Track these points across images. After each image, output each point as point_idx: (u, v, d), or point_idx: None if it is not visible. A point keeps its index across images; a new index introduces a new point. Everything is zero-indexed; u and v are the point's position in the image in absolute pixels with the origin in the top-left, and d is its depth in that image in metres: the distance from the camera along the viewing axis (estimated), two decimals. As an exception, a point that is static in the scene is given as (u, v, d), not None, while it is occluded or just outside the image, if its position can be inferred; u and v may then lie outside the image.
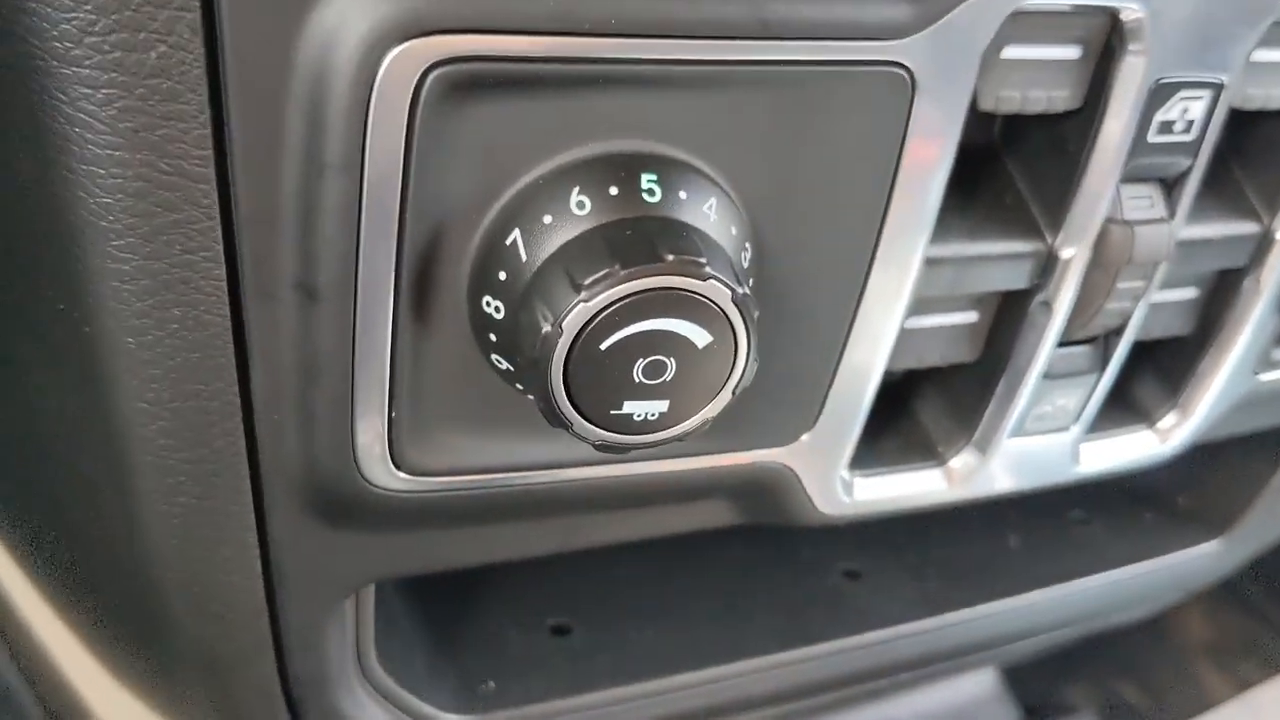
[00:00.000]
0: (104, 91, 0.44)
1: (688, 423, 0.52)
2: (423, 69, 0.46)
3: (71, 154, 0.46)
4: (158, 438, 0.54)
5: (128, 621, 0.68)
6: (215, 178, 0.47)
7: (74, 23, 0.43)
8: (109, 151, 0.45)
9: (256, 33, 0.45)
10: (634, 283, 0.47)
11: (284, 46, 0.45)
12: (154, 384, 0.52)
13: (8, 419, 0.64)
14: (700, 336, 0.49)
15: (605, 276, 0.47)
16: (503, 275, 0.50)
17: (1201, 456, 0.91)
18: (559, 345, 0.48)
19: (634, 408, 0.50)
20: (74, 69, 0.44)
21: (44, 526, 0.71)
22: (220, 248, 0.49)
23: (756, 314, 0.51)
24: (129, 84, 0.44)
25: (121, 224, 0.47)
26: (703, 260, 0.48)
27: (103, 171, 0.46)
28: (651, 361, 0.49)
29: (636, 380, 0.50)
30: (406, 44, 0.45)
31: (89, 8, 0.43)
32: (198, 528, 0.57)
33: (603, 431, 0.51)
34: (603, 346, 0.48)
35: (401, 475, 0.56)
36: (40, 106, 0.45)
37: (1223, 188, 0.73)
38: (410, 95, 0.46)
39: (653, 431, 0.52)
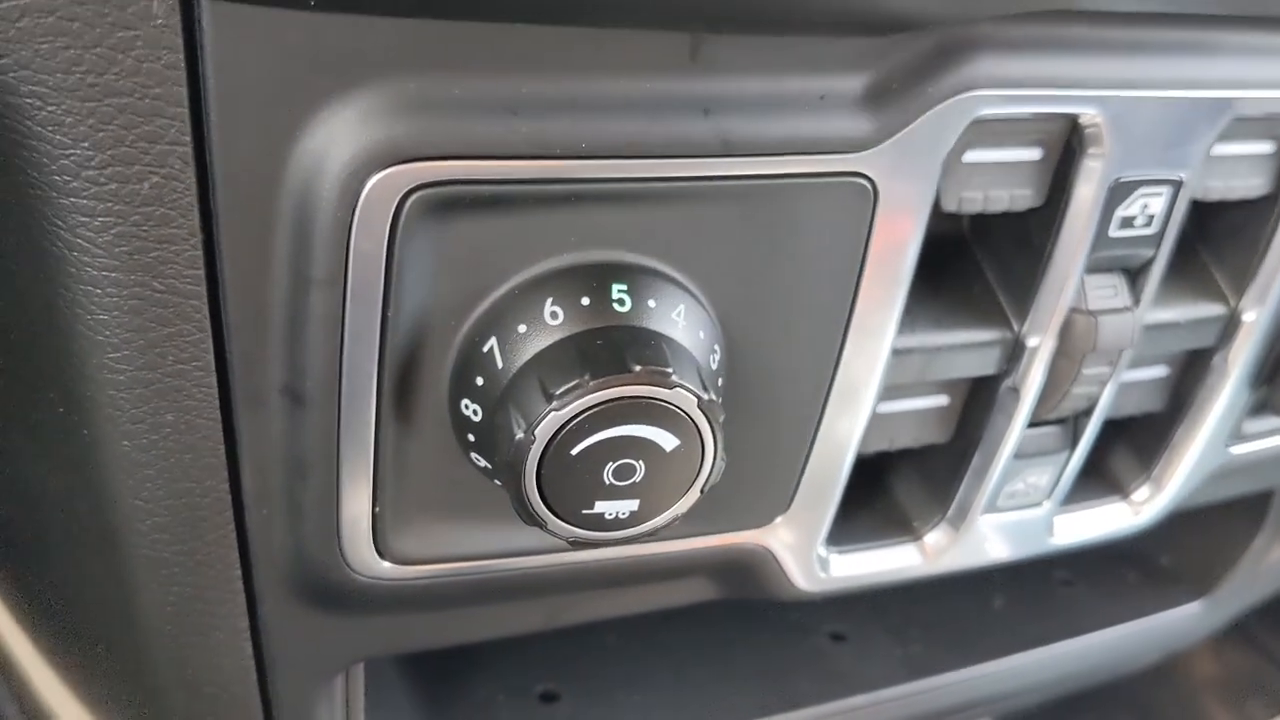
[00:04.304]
0: (100, 219, 0.47)
1: (657, 519, 0.55)
2: (403, 192, 0.48)
3: (69, 275, 0.48)
4: (152, 532, 0.56)
5: (126, 697, 0.70)
6: (206, 294, 0.50)
7: (72, 158, 0.46)
8: (105, 273, 0.48)
9: (245, 161, 0.47)
10: (603, 392, 0.50)
11: (271, 173, 0.48)
12: (148, 483, 0.55)
13: (10, 503, 0.67)
14: (668, 440, 0.52)
15: (576, 386, 0.49)
16: (480, 380, 0.53)
17: (1184, 518, 0.92)
18: (532, 450, 0.50)
19: (605, 507, 0.53)
20: (72, 199, 0.46)
21: (48, 600, 0.73)
22: (211, 357, 0.52)
23: (722, 417, 0.53)
24: (124, 212, 0.47)
25: (117, 338, 0.50)
26: (669, 370, 0.50)
27: (99, 291, 0.49)
28: (621, 464, 0.52)
29: (607, 482, 0.52)
30: (388, 170, 0.48)
31: (86, 145, 0.45)
32: (191, 615, 0.60)
33: (575, 529, 0.53)
34: (574, 451, 0.50)
35: (386, 564, 0.59)
36: (40, 232, 0.48)
37: (1190, 271, 0.76)
38: (391, 215, 0.49)
39: (624, 529, 0.54)
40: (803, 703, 0.89)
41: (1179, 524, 0.94)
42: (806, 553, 0.71)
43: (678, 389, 0.51)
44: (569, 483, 0.52)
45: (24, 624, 0.78)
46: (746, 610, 0.94)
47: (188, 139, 0.47)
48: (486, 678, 0.84)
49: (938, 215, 0.60)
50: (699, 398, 0.51)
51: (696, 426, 0.52)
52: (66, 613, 0.69)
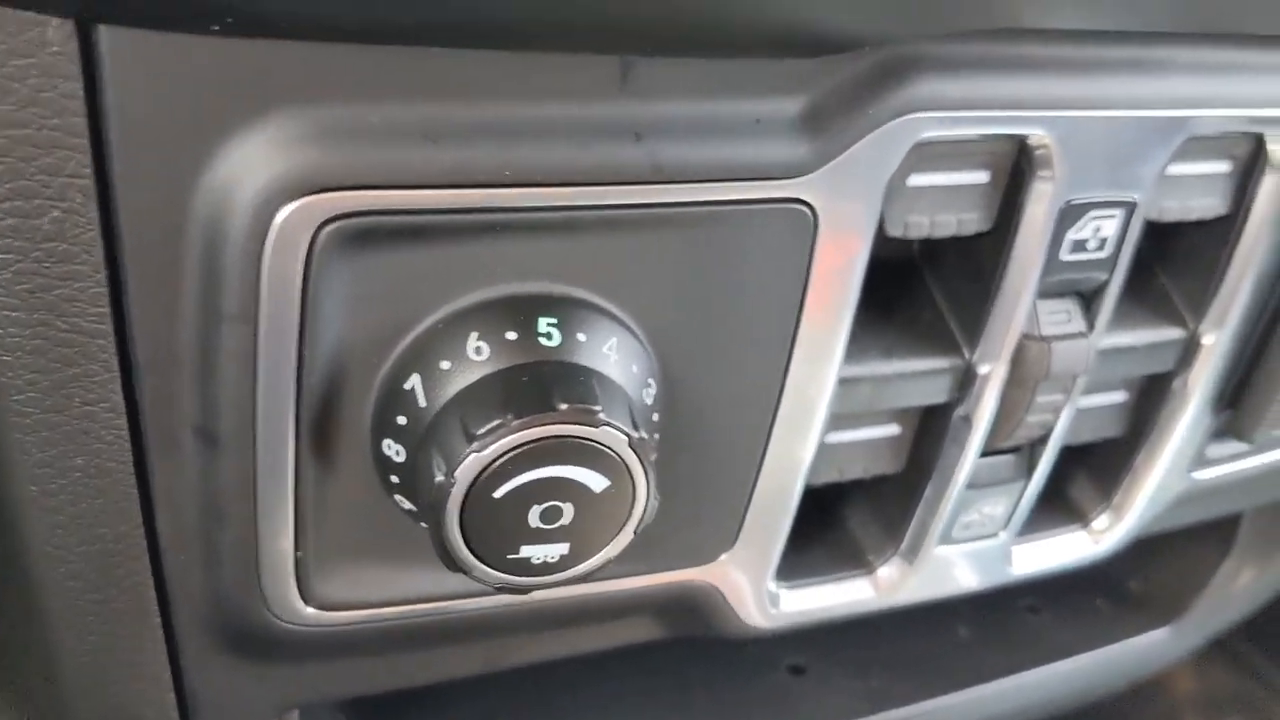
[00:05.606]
0: (0, 256, 0.45)
1: (588, 563, 0.52)
2: (317, 224, 0.46)
3: (-33, 314, 0.46)
4: (65, 580, 0.54)
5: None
6: (113, 332, 0.48)
7: (-35, 192, 0.43)
8: (6, 312, 0.46)
9: (150, 193, 0.45)
10: (527, 432, 0.47)
11: (177, 205, 0.46)
12: (59, 529, 0.52)
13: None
14: (597, 481, 0.50)
15: (498, 426, 0.47)
16: (402, 420, 0.50)
17: (1152, 543, 0.91)
18: (453, 494, 0.48)
19: (532, 551, 0.51)
20: None
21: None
22: (120, 398, 0.50)
23: (654, 456, 0.51)
24: (24, 248, 0.45)
25: (21, 380, 0.48)
26: (596, 408, 0.48)
27: (0, 331, 0.46)
28: (548, 506, 0.50)
29: (533, 525, 0.50)
30: (299, 201, 0.46)
31: (-20, 178, 0.43)
32: (111, 665, 0.58)
33: (501, 575, 0.51)
34: (496, 495, 0.48)
35: (310, 610, 0.56)
36: (-65, 269, 0.45)
37: (1148, 294, 0.74)
38: (305, 248, 0.47)
39: (553, 573, 0.52)
40: (761, 738, 0.87)
41: (1147, 549, 0.92)
42: (755, 589, 0.69)
43: (605, 428, 0.49)
44: (493, 527, 0.49)
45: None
46: (703, 644, 0.91)
47: (89, 171, 0.44)
48: (432, 718, 0.82)
49: (886, 240, 0.59)
50: (629, 436, 0.49)
51: (627, 466, 0.50)
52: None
